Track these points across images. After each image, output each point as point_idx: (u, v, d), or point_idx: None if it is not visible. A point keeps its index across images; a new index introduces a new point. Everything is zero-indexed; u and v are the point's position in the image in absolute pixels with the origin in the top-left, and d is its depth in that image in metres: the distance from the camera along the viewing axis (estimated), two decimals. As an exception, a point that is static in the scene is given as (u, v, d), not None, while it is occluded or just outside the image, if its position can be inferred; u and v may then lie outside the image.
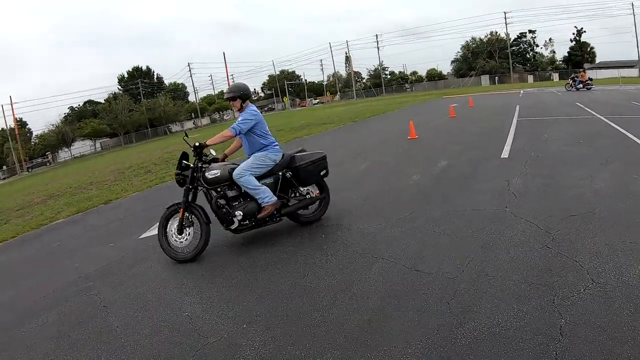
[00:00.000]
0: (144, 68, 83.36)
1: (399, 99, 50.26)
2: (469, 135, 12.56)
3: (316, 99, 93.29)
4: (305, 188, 5.63)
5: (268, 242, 5.33)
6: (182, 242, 5.12)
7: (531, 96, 30.57)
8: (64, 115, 69.66)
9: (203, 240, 5.03)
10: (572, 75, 36.18)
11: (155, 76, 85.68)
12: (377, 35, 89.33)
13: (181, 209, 5.09)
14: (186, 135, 5.89)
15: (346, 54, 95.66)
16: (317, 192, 5.72)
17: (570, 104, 20.55)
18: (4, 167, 64.16)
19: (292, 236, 5.40)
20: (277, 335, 3.23)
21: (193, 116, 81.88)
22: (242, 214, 5.07)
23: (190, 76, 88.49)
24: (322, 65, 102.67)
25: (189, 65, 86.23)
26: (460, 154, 9.55)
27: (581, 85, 32.27)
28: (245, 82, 5.40)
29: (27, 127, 71.89)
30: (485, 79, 79.25)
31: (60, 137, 63.36)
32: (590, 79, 33.45)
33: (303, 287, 3.97)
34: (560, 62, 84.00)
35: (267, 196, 5.06)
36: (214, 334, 3.40)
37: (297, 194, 5.58)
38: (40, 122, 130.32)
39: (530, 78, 75.27)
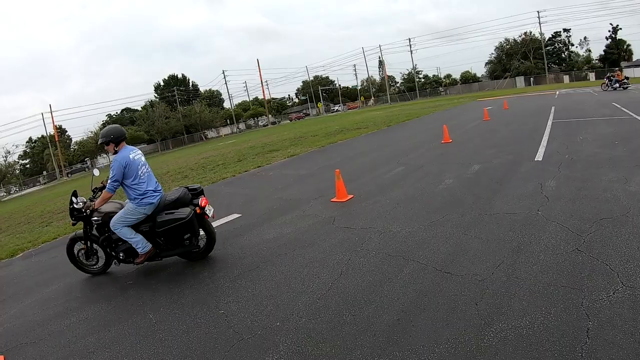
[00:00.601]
0: (179, 76, 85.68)
1: (433, 103, 49.87)
2: (503, 138, 12.37)
3: (335, 106, 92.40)
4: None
5: (305, 243, 5.47)
6: (93, 265, 5.76)
7: (567, 97, 29.67)
8: (102, 122, 72.01)
9: (105, 265, 5.68)
10: (608, 75, 35.04)
11: (190, 84, 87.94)
12: (409, 39, 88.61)
13: (83, 243, 5.65)
14: (93, 177, 6.00)
15: (379, 58, 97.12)
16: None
17: (606, 104, 19.86)
18: (45, 173, 67.21)
19: (328, 238, 5.51)
20: (309, 333, 3.35)
21: (228, 122, 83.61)
22: (123, 255, 5.36)
23: (225, 83, 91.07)
24: (355, 70, 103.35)
25: (223, 73, 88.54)
26: (493, 157, 9.45)
27: (617, 85, 31.22)
28: (115, 125, 5.30)
29: (67, 134, 74.75)
30: (520, 81, 77.47)
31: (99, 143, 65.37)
32: (627, 78, 32.33)
33: (337, 287, 4.08)
34: (596, 61, 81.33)
35: (140, 246, 5.16)
36: (248, 330, 3.55)
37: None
38: (80, 129, 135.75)
39: (566, 78, 73.05)
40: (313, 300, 3.88)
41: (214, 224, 6.62)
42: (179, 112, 73.82)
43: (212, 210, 5.47)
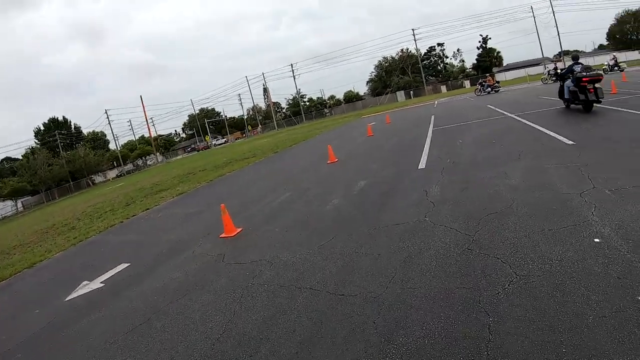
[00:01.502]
0: (60, 119, 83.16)
1: (319, 125, 52.39)
2: (387, 152, 13.15)
3: (221, 138, 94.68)
4: None
5: (196, 286, 5.24)
6: None
7: (445, 105, 32.64)
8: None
9: None
10: (480, 81, 39.40)
11: (72, 126, 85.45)
12: (292, 65, 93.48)
13: None
14: None
15: (264, 85, 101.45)
16: None
17: (481, 107, 22.18)
18: None
19: (219, 278, 5.36)
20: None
21: (115, 164, 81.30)
22: None
23: (109, 123, 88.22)
24: (240, 99, 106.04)
25: (106, 112, 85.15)
26: (378, 171, 9.93)
27: (489, 89, 34.93)
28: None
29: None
30: (400, 95, 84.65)
31: (-22, 201, 60.03)
32: (498, 82, 36.46)
33: (231, 328, 3.91)
34: (470, 70, 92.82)
35: None
36: None
37: None
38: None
39: (444, 88, 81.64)
40: (209, 346, 3.69)
41: (103, 277, 6.72)
42: (63, 157, 70.33)
43: None
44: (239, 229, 7.41)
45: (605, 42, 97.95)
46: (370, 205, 6.98)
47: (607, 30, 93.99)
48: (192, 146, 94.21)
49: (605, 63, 41.28)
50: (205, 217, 9.64)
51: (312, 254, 5.35)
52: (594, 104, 12.53)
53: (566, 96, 13.83)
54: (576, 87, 12.76)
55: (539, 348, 2.63)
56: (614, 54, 43.34)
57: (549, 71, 40.89)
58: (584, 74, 12.40)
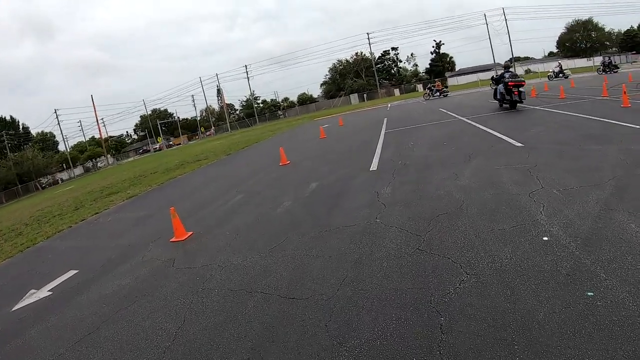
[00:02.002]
0: (7, 118, 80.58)
1: (273, 127, 52.30)
2: (339, 154, 13.23)
3: (170, 140, 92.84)
4: None
5: (146, 292, 5.06)
6: None
7: (398, 108, 33.30)
8: None
9: None
10: (429, 86, 40.47)
11: (20, 126, 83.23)
12: (246, 66, 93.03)
13: None
14: None
15: (217, 86, 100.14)
16: None
17: (434, 110, 22.77)
18: None
19: (169, 283, 5.19)
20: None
21: (65, 167, 77.92)
22: None
23: (58, 123, 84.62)
24: (194, 100, 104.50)
25: (55, 112, 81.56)
26: (330, 173, 9.94)
27: (438, 94, 35.82)
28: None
29: None
30: (354, 98, 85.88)
31: None
32: (446, 87, 37.58)
33: (181, 336, 3.77)
34: (423, 74, 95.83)
35: None
36: None
37: None
38: None
39: (397, 91, 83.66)
40: (158, 356, 3.53)
41: (51, 285, 6.38)
42: (10, 159, 66.84)
43: None
44: (190, 233, 7.26)
45: (555, 50, 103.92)
46: (322, 207, 6.96)
47: (557, 39, 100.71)
48: (144, 147, 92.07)
49: (551, 70, 43.36)
50: (156, 220, 9.42)
51: (263, 257, 5.27)
52: (518, 104, 16.45)
53: (498, 97, 17.58)
54: (504, 90, 16.50)
55: (491, 346, 2.65)
56: (559, 61, 45.84)
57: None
58: (511, 79, 16.17)
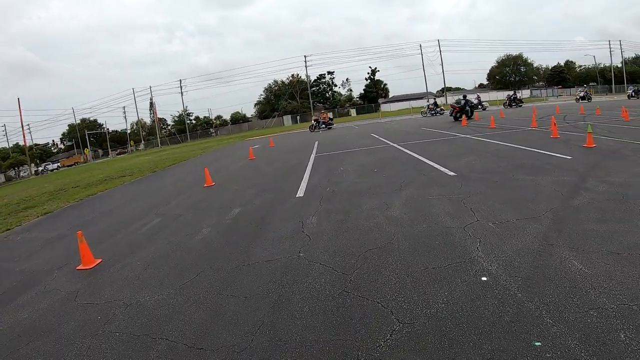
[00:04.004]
0: None
1: (203, 144, 51.81)
2: (266, 177, 12.89)
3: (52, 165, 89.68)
4: None
5: (43, 330, 4.41)
6: None
7: (330, 132, 33.23)
8: None
9: None
10: (314, 117, 41.25)
11: None
12: (180, 81, 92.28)
13: None
14: None
15: (150, 99, 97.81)
16: None
17: (366, 135, 23.03)
18: None
19: (69, 321, 4.56)
20: None
21: None
22: None
23: None
24: (125, 112, 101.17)
25: None
26: (255, 197, 9.50)
27: (324, 126, 36.12)
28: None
29: None
30: (287, 119, 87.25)
31: None
32: (331, 119, 38.65)
33: None
34: (357, 99, 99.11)
35: None
36: None
37: None
38: None
39: (330, 115, 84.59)
40: None
41: None
42: None
43: None
44: (99, 260, 6.58)
45: (485, 82, 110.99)
46: (242, 237, 6.46)
47: (488, 71, 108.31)
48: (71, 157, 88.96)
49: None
50: (67, 243, 8.61)
51: (173, 295, 4.71)
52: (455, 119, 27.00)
53: (451, 114, 28.55)
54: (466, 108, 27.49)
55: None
56: (478, 93, 49.90)
57: (428, 105, 44.28)
58: (455, 105, 28.25)
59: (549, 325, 2.94)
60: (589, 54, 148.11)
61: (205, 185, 12.97)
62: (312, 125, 38.28)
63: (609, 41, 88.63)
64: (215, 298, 4.39)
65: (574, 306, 3.15)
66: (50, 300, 5.40)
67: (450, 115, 28.40)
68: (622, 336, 2.74)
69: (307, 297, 3.96)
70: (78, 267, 6.51)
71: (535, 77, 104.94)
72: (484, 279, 3.77)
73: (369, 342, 3.04)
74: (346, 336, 3.17)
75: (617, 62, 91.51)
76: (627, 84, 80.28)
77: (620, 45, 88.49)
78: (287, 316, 3.65)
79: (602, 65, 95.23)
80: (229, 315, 3.92)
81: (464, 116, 24.74)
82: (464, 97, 28.27)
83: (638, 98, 43.48)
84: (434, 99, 49.13)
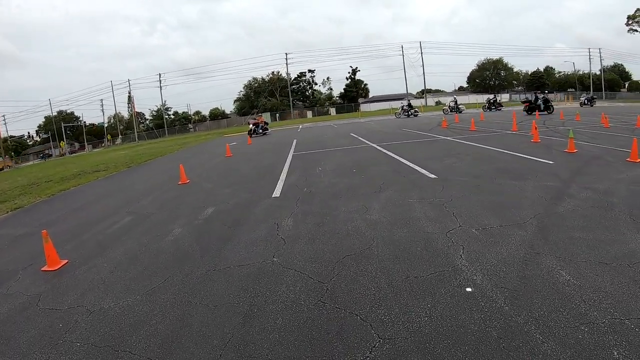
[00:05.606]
0: None
1: (181, 140, 51.30)
2: (242, 176, 12.62)
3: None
4: None
5: (1, 339, 4.12)
6: None
7: (309, 130, 33.65)
8: None
9: None
10: (251, 120, 41.59)
11: None
12: (160, 75, 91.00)
13: None
14: None
15: (128, 93, 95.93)
16: None
17: (345, 135, 22.92)
18: None
19: (29, 329, 4.25)
20: None
21: None
22: None
23: None
24: (102, 105, 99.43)
25: None
26: (230, 197, 9.23)
27: (261, 131, 35.73)
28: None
29: None
30: (267, 116, 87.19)
31: None
32: (266, 123, 38.62)
33: None
34: (337, 98, 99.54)
35: None
36: None
37: None
38: None
39: (310, 113, 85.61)
40: None
41: None
42: None
43: None
44: (65, 261, 6.25)
45: (465, 85, 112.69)
46: (214, 239, 6.19)
47: (468, 74, 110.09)
48: (46, 152, 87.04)
49: (447, 104, 47.32)
50: (35, 241, 8.19)
51: (139, 301, 4.42)
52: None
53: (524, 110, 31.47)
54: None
55: None
56: (455, 96, 50.70)
57: (402, 106, 44.37)
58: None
59: (538, 342, 2.79)
60: (568, 60, 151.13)
61: (179, 182, 12.67)
62: (251, 129, 37.49)
63: (589, 49, 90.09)
64: (184, 307, 4.12)
65: (564, 321, 3.00)
66: (11, 305, 5.08)
67: (524, 111, 31.41)
68: (616, 354, 2.60)
69: (281, 307, 3.72)
70: (43, 268, 6.20)
71: (515, 82, 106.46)
72: (468, 290, 3.60)
73: (348, 359, 2.83)
74: (322, 353, 2.94)
75: (596, 69, 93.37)
76: (605, 91, 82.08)
77: (600, 53, 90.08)
78: (259, 329, 3.41)
79: (580, 72, 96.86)
80: (197, 326, 3.67)
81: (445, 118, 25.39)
82: (536, 93, 33.20)
83: (591, 105, 44.71)
84: (408, 100, 49.06)
